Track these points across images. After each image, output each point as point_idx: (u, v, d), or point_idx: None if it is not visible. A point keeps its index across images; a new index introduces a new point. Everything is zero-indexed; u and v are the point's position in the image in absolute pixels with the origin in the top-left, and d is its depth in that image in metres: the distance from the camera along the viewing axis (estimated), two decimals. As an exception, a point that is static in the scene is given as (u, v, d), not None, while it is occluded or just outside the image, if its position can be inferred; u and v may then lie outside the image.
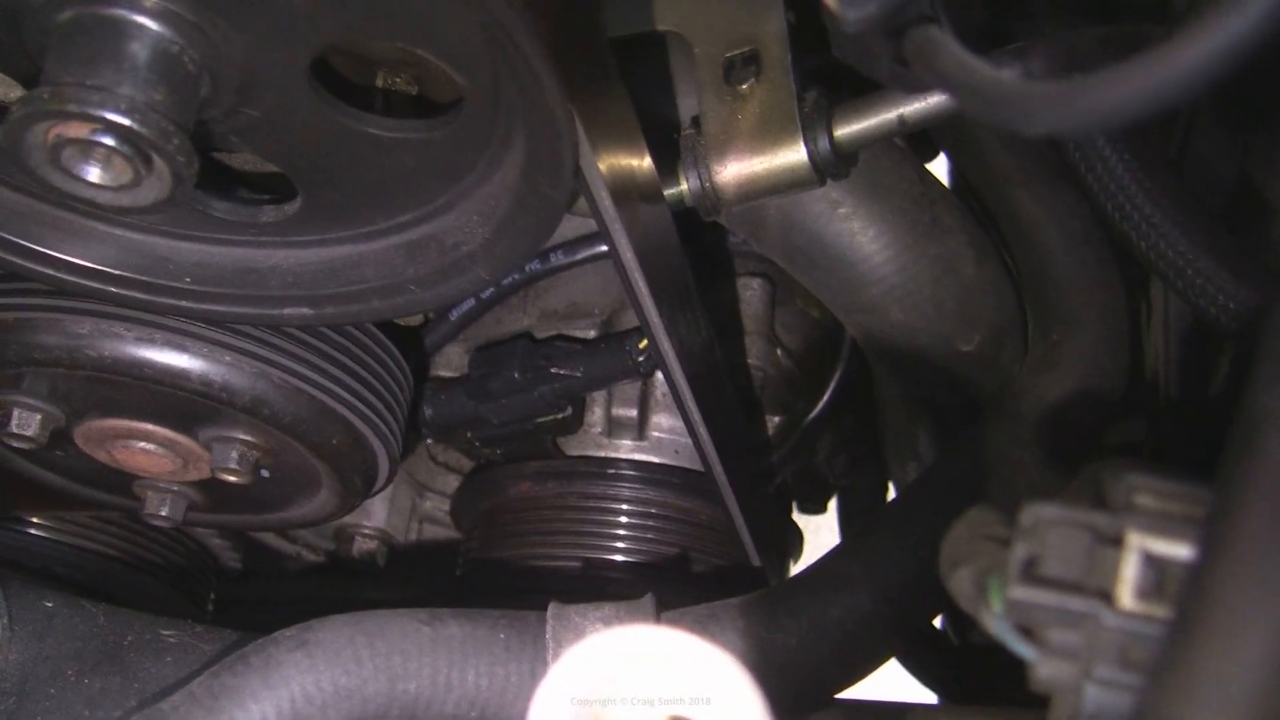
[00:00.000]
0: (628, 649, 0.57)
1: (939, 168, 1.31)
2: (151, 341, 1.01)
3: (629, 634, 0.58)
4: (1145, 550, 0.59)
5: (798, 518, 1.46)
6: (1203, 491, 0.58)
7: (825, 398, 1.31)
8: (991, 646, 0.64)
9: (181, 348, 1.02)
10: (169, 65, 0.81)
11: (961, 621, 1.40)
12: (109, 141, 0.79)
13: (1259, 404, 0.53)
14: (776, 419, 1.30)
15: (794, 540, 1.40)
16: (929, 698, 1.44)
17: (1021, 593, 0.60)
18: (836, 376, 1.31)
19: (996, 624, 0.62)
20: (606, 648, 0.58)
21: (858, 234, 1.11)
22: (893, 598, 1.04)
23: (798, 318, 1.30)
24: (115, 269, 0.98)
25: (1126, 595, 0.59)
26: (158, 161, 0.81)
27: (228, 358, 1.02)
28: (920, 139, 1.31)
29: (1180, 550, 0.58)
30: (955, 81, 0.63)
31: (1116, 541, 0.59)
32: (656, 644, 0.58)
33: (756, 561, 1.20)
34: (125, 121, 0.78)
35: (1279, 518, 0.49)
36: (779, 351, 1.27)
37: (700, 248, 1.26)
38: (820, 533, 1.56)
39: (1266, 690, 0.47)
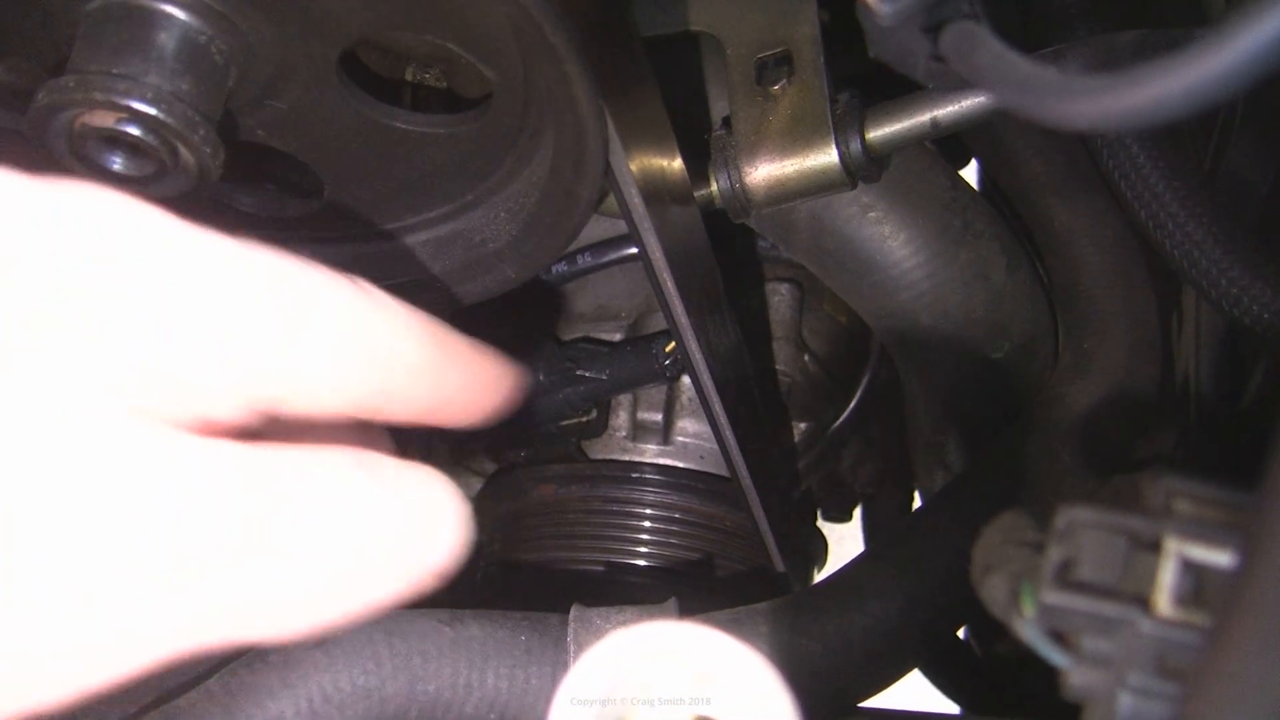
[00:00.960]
0: (652, 646, 0.56)
1: (970, 174, 1.30)
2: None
3: (653, 630, 0.57)
4: (1184, 556, 0.57)
5: (823, 526, 1.45)
6: (1242, 498, 0.57)
7: (852, 405, 1.30)
8: (1015, 657, 0.63)
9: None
10: (196, 56, 0.80)
11: (986, 632, 1.39)
12: (134, 131, 0.79)
13: (1303, 407, 0.51)
14: (803, 425, 1.29)
15: (818, 548, 1.39)
16: (951, 708, 1.43)
17: (1055, 597, 0.59)
18: (864, 383, 1.30)
19: (1029, 630, 0.61)
20: (630, 645, 0.57)
21: (888, 238, 1.10)
22: (919, 607, 1.03)
23: (826, 323, 1.29)
24: (136, 263, 0.97)
25: (1164, 601, 0.57)
26: (183, 152, 0.80)
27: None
28: (952, 145, 1.30)
29: (1220, 557, 0.57)
30: (994, 76, 0.62)
31: (1154, 547, 0.58)
32: (681, 641, 0.57)
33: (781, 568, 1.19)
34: (151, 111, 0.78)
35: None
36: (806, 357, 1.26)
37: (730, 252, 1.25)
38: (845, 542, 1.55)
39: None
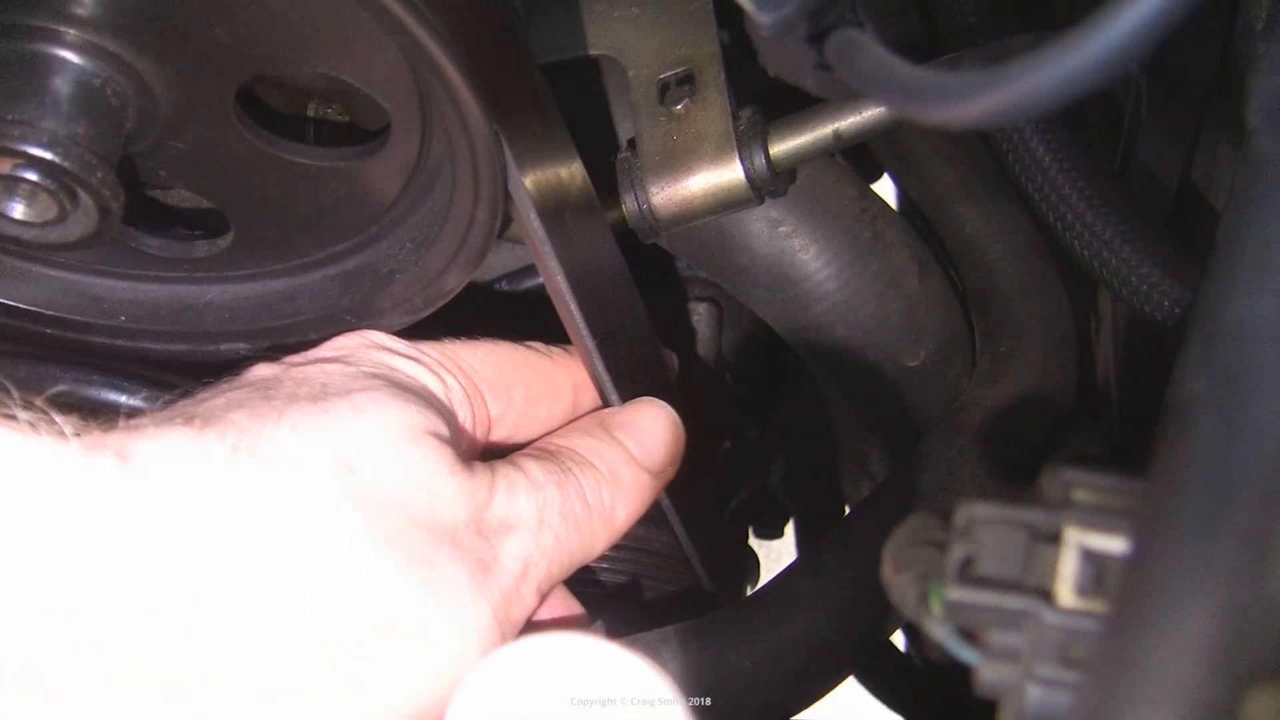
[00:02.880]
0: (548, 657, 0.57)
1: (885, 190, 1.30)
2: (89, 384, 0.99)
3: (546, 642, 0.57)
4: (1083, 546, 0.58)
5: (755, 543, 1.45)
6: (1141, 485, 0.57)
7: (776, 421, 1.30)
8: (953, 664, 0.63)
9: (120, 389, 1.00)
10: (92, 99, 0.81)
11: (922, 639, 1.40)
12: (32, 176, 0.79)
13: (1186, 390, 0.52)
14: (727, 444, 1.29)
15: (750, 566, 1.38)
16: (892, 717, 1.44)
17: (959, 594, 0.59)
18: (786, 399, 1.30)
19: (939, 629, 0.61)
20: (525, 655, 0.57)
21: (799, 252, 1.10)
22: (848, 616, 1.03)
23: (746, 341, 1.29)
24: (48, 309, 0.96)
25: (1066, 592, 0.58)
26: (83, 196, 0.80)
27: (167, 398, 1.01)
28: (863, 159, 1.30)
29: (1118, 544, 0.57)
30: (876, 81, 0.63)
31: (1054, 538, 0.59)
32: (578, 652, 0.57)
33: (709, 587, 1.18)
34: (47, 155, 0.78)
35: (1210, 502, 0.49)
36: (727, 375, 1.26)
37: (648, 273, 1.25)
38: (783, 559, 1.55)
39: (1199, 678, 0.47)
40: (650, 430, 0.96)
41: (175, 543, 0.69)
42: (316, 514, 0.73)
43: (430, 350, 0.91)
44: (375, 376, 0.86)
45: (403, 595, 0.74)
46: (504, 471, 0.86)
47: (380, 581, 0.73)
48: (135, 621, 0.66)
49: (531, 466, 0.87)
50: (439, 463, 0.81)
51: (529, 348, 0.97)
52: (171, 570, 0.67)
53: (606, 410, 0.97)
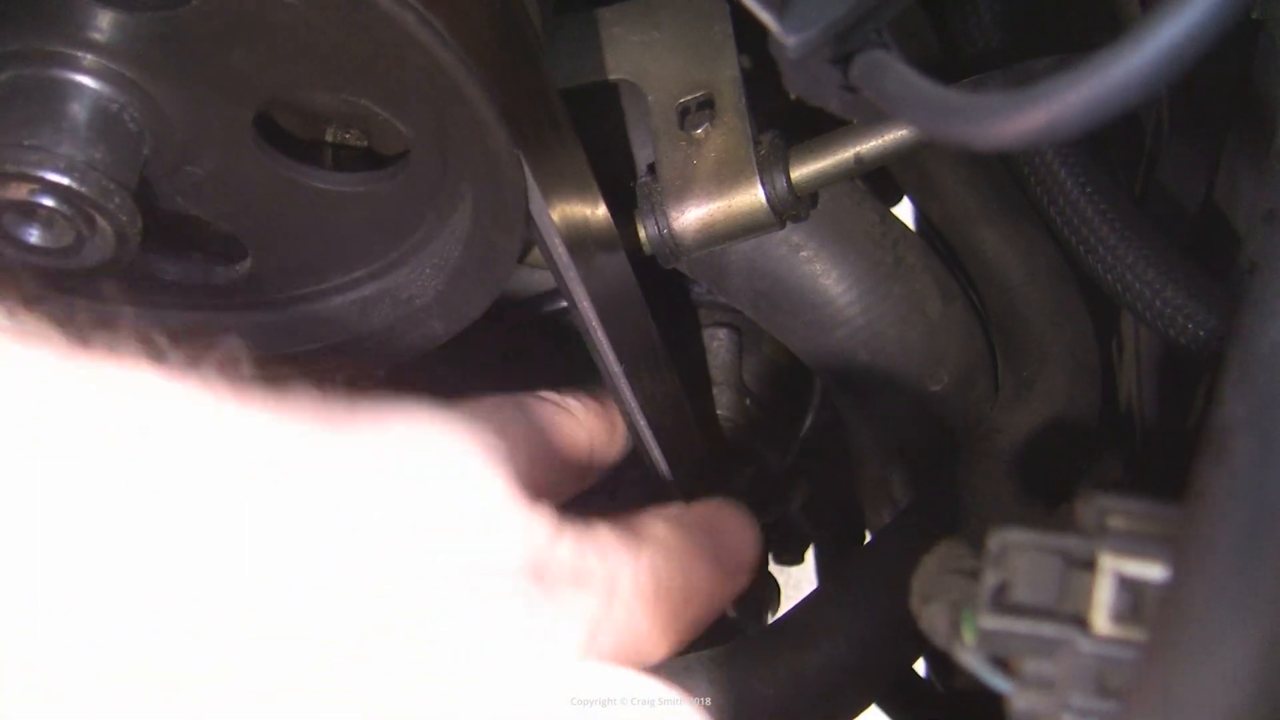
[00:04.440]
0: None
1: (905, 213, 1.29)
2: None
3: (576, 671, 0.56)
4: (1119, 572, 0.57)
5: (775, 570, 1.44)
6: (1177, 511, 0.57)
7: (797, 446, 1.29)
8: (975, 691, 0.63)
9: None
10: (109, 124, 0.80)
11: (944, 666, 1.39)
12: (49, 202, 0.78)
13: (1225, 414, 0.51)
14: (748, 470, 1.28)
15: (771, 592, 1.38)
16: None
17: (992, 622, 0.58)
18: (807, 424, 1.30)
19: (971, 657, 0.60)
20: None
21: (821, 277, 1.09)
22: (871, 643, 1.02)
23: (767, 366, 1.28)
24: (66, 337, 0.96)
25: (1101, 619, 0.57)
26: (100, 221, 0.80)
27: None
28: (883, 183, 1.30)
29: (1155, 571, 0.57)
30: (903, 102, 0.62)
31: (1089, 565, 0.58)
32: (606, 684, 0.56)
33: (732, 614, 1.18)
34: (65, 181, 0.77)
35: (1251, 527, 0.48)
36: (748, 402, 1.26)
37: (666, 299, 1.24)
38: (801, 586, 1.54)
39: (1242, 707, 0.46)
40: (733, 533, 0.90)
41: (176, 541, 0.68)
42: (321, 511, 0.72)
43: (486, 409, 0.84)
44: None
45: (405, 596, 0.72)
46: (572, 523, 0.78)
47: (382, 581, 0.71)
48: (135, 621, 0.65)
49: (603, 529, 0.80)
50: (489, 492, 0.75)
51: (558, 413, 0.92)
52: (172, 570, 0.66)
53: (687, 506, 0.91)
